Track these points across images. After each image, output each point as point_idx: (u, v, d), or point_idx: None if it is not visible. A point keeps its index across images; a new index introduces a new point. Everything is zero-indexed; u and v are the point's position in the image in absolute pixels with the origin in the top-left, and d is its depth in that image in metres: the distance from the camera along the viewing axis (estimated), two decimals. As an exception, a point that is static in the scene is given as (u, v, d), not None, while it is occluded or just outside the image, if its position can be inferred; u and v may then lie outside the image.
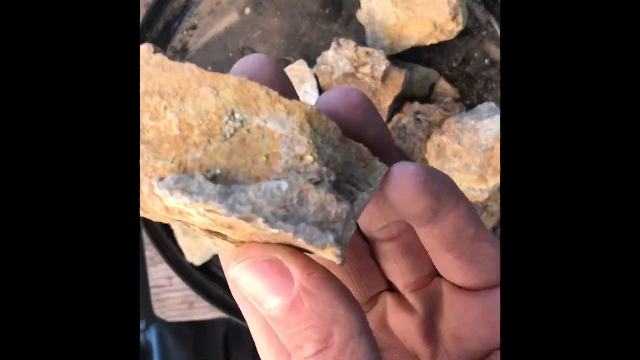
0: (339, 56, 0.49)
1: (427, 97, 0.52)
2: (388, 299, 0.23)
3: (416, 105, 0.50)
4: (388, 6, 0.49)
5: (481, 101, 0.52)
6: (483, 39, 0.52)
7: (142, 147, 0.18)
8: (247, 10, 0.53)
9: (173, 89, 0.18)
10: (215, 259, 0.54)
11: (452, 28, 0.49)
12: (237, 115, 0.18)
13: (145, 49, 0.19)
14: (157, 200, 0.17)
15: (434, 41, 0.50)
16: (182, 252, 0.53)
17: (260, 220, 0.16)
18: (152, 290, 0.55)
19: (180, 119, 0.18)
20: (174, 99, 0.18)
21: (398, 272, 0.23)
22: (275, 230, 0.16)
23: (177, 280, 0.54)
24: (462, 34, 0.50)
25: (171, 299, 0.55)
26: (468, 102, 0.52)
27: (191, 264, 0.53)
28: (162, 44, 0.53)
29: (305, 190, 0.17)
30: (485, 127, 0.47)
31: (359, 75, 0.49)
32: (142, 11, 0.53)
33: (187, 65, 0.18)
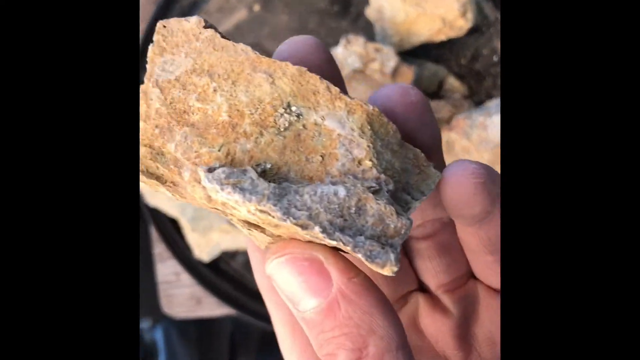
0: (348, 52, 0.49)
1: (436, 93, 0.52)
2: (420, 300, 0.22)
3: (425, 102, 0.50)
4: (397, 3, 0.49)
5: (490, 98, 0.52)
6: (492, 36, 0.52)
7: (186, 129, 0.17)
8: (256, 8, 0.54)
9: (224, 71, 0.17)
10: (224, 255, 0.54)
11: (461, 25, 0.49)
12: (293, 108, 0.17)
13: (195, 22, 0.17)
14: (198, 188, 0.16)
15: (443, 38, 0.50)
16: (191, 249, 0.53)
17: (317, 229, 0.15)
18: (160, 287, 0.55)
19: (231, 105, 0.17)
20: (225, 82, 0.17)
21: (432, 271, 0.22)
22: (333, 242, 0.15)
23: (185, 277, 0.54)
24: (471, 31, 0.50)
25: (179, 295, 0.55)
26: (477, 99, 0.52)
27: (199, 261, 0.53)
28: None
29: (364, 199, 0.16)
30: (494, 123, 0.47)
31: (368, 71, 0.49)
32: (152, 8, 0.53)
33: (242, 47, 0.17)
